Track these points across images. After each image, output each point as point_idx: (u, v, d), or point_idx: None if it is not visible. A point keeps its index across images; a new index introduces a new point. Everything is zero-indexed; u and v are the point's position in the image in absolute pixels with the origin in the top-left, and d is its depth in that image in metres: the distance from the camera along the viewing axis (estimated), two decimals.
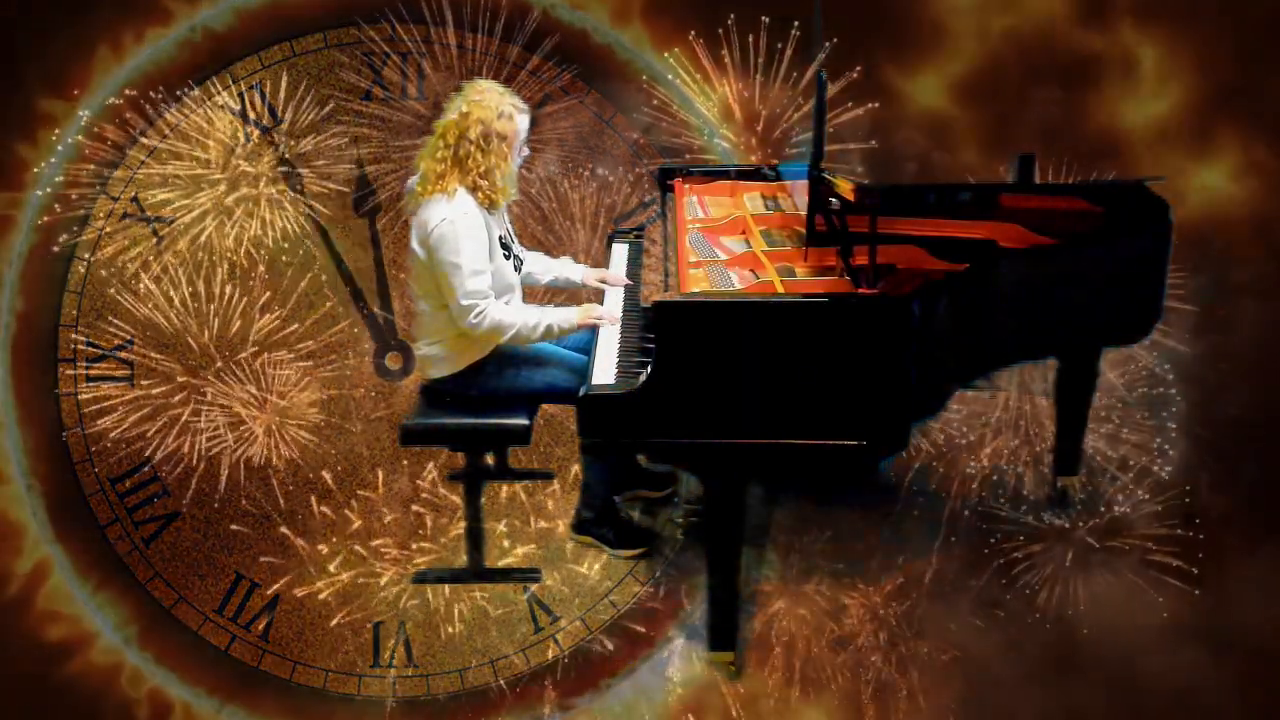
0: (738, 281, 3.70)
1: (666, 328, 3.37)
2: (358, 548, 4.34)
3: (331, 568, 4.27)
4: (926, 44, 4.91)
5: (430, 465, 4.61)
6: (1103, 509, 4.38)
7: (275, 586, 4.22)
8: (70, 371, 4.72)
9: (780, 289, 3.60)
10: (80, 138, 4.76)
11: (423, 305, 3.88)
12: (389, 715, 3.88)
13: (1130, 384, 4.80)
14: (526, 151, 3.91)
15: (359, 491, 4.57)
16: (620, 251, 4.42)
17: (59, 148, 4.76)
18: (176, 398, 4.74)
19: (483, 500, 4.16)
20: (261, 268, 4.88)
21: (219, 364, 4.80)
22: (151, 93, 4.80)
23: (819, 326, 3.36)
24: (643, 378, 3.41)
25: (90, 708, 3.96)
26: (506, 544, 4.34)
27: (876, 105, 4.87)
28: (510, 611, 4.10)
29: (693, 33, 4.89)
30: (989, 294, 3.71)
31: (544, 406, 4.33)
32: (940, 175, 4.93)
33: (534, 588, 4.15)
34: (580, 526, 4.28)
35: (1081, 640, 3.91)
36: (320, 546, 4.35)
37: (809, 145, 3.81)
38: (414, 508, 4.49)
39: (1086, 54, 4.91)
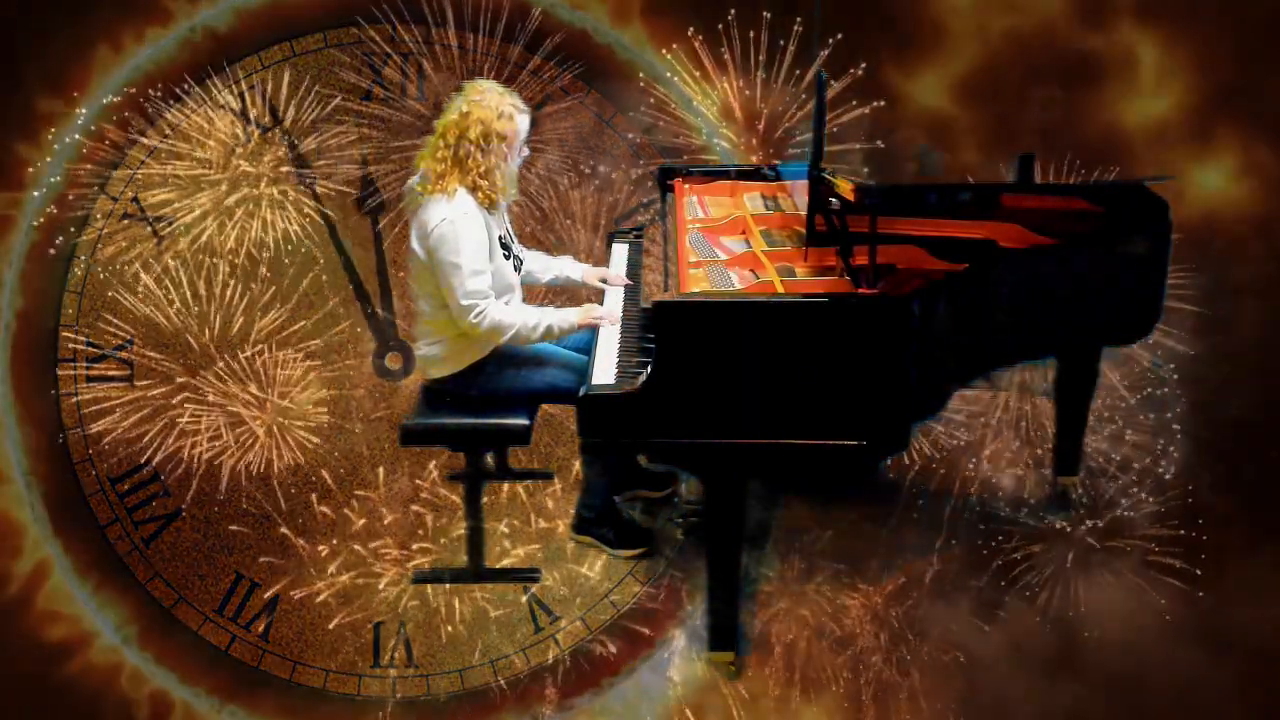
0: (738, 281, 3.70)
1: (666, 328, 3.37)
2: (358, 548, 4.34)
3: (331, 568, 4.27)
4: (927, 44, 4.91)
5: (430, 465, 4.61)
6: (1103, 509, 4.38)
7: (275, 586, 4.22)
8: (70, 371, 4.72)
9: (780, 289, 3.60)
10: (80, 138, 4.76)
11: (423, 305, 3.88)
12: (389, 715, 3.88)
13: (1131, 384, 4.80)
14: (527, 152, 3.91)
15: (359, 491, 4.56)
16: (620, 251, 4.42)
17: (59, 148, 4.76)
18: (176, 398, 4.74)
19: (483, 500, 4.16)
20: (262, 268, 4.87)
21: (219, 364, 4.80)
22: (152, 92, 4.80)
23: (819, 326, 3.36)
24: (643, 378, 3.40)
25: (90, 708, 3.96)
26: (507, 544, 4.34)
27: (883, 103, 4.86)
28: (510, 611, 4.09)
29: (691, 29, 4.88)
30: (989, 294, 3.70)
31: (544, 406, 4.32)
32: (941, 175, 4.93)
33: (534, 588, 4.15)
34: (580, 526, 4.28)
35: (1082, 641, 3.90)
36: (320, 546, 4.35)
37: (810, 145, 3.81)
38: (414, 508, 4.49)
39: (1086, 54, 4.91)
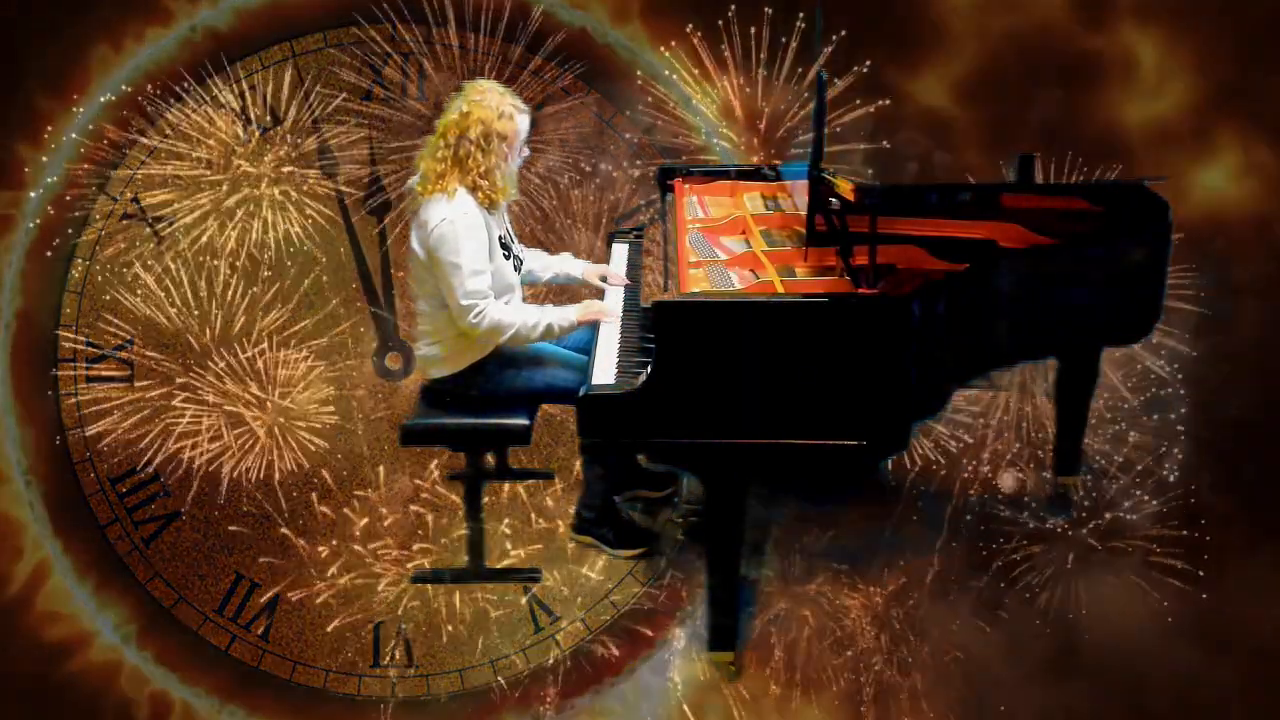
0: (738, 281, 3.70)
1: (666, 328, 3.37)
2: (358, 548, 4.34)
3: (332, 568, 4.27)
4: (928, 44, 4.90)
5: (431, 465, 4.61)
6: (1104, 509, 4.38)
7: (275, 587, 4.22)
8: (70, 372, 4.72)
9: (780, 289, 3.59)
10: (80, 137, 4.76)
11: (422, 305, 3.89)
12: (389, 715, 3.88)
13: (1131, 384, 4.80)
14: (527, 152, 3.91)
15: (359, 491, 4.56)
16: (620, 251, 4.42)
17: (58, 147, 4.75)
18: (176, 398, 4.73)
19: (483, 500, 4.16)
20: (262, 268, 4.87)
21: (219, 364, 4.80)
22: (152, 92, 4.80)
23: (819, 326, 3.36)
24: (643, 378, 3.40)
25: (90, 708, 3.96)
26: (507, 544, 4.34)
27: (888, 102, 4.86)
28: (510, 611, 4.09)
29: (690, 25, 4.87)
30: (989, 294, 3.70)
31: (544, 406, 4.33)
32: (942, 175, 4.93)
33: (534, 588, 4.15)
34: (580, 526, 4.28)
35: (1083, 641, 3.90)
36: (320, 547, 4.35)
37: (823, 145, 3.81)
38: (414, 508, 4.49)
39: (1087, 54, 4.91)
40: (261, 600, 4.18)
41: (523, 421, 3.88)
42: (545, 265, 4.18)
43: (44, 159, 4.74)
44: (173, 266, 4.83)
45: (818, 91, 3.75)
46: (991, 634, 3.91)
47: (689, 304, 3.42)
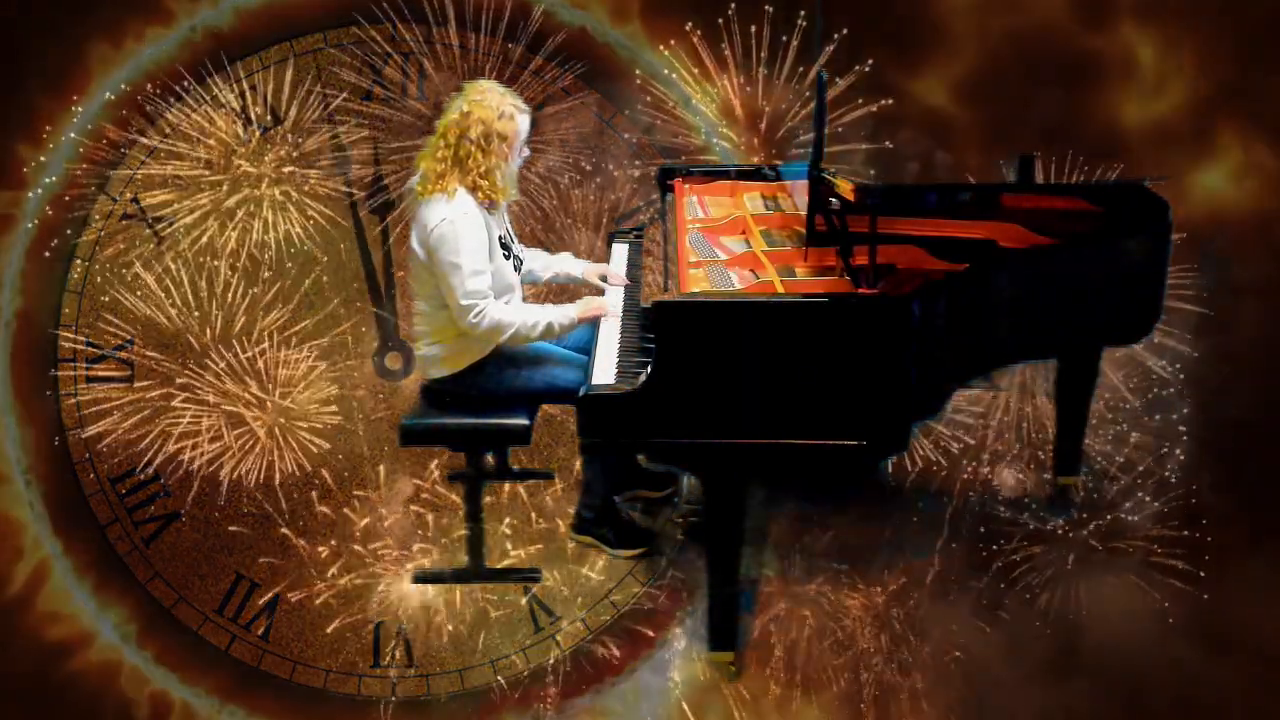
0: (738, 281, 3.70)
1: (666, 328, 3.37)
2: (358, 548, 4.34)
3: (332, 568, 4.27)
4: (928, 44, 4.90)
5: (431, 465, 4.61)
6: (1105, 510, 4.38)
7: (275, 587, 4.21)
8: (70, 372, 4.72)
9: (780, 289, 3.59)
10: (80, 137, 4.76)
11: (422, 305, 3.89)
12: (389, 715, 3.88)
13: (1132, 385, 4.80)
14: (527, 152, 3.91)
15: (359, 491, 4.56)
16: (620, 251, 4.41)
17: (59, 147, 4.75)
18: (176, 398, 4.73)
19: (483, 500, 4.16)
20: (263, 268, 4.87)
21: (220, 364, 4.80)
22: (152, 92, 4.80)
23: (819, 326, 3.36)
24: (643, 378, 3.40)
25: (90, 708, 3.96)
26: (507, 544, 4.34)
27: (890, 101, 4.86)
28: (510, 611, 4.09)
29: (689, 24, 4.87)
30: (989, 294, 3.70)
31: (544, 406, 4.33)
32: (942, 175, 4.93)
33: (534, 588, 4.14)
34: (580, 526, 4.28)
35: (1083, 641, 3.90)
36: (320, 547, 4.35)
37: (823, 145, 3.81)
38: (414, 508, 4.49)
39: (1087, 54, 4.91)
40: (261, 600, 4.18)
41: (523, 421, 3.88)
42: (545, 265, 4.18)
43: (44, 159, 4.74)
44: (173, 266, 4.83)
45: (818, 91, 3.75)
46: (992, 634, 3.91)
47: (689, 304, 3.42)
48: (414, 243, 3.81)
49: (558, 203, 4.99)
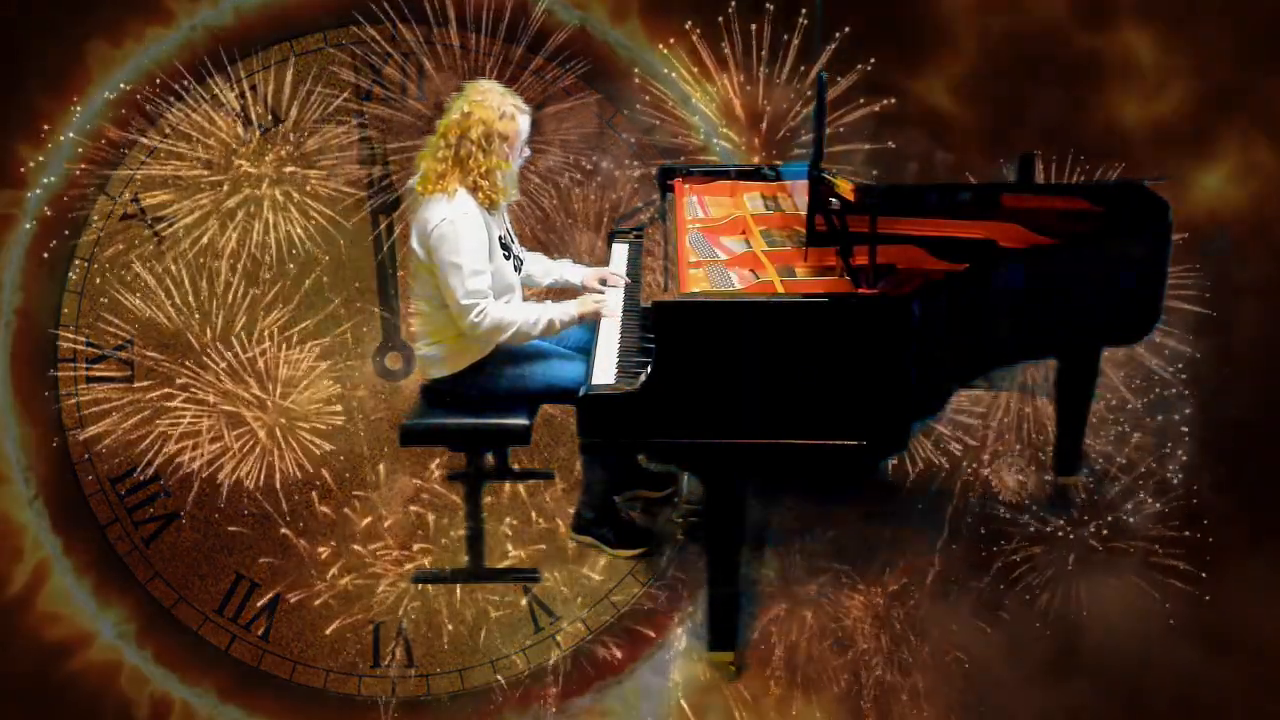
0: (738, 281, 3.70)
1: (666, 328, 3.37)
2: (358, 548, 4.34)
3: (332, 568, 4.27)
4: (929, 44, 4.90)
5: (431, 465, 4.61)
6: (1105, 510, 4.38)
7: (275, 587, 4.21)
8: (70, 372, 4.72)
9: (780, 289, 3.59)
10: (80, 137, 4.76)
11: (422, 305, 3.89)
12: (389, 715, 3.88)
13: (1132, 385, 4.80)
14: (528, 152, 3.91)
15: (359, 491, 4.56)
16: (620, 251, 4.42)
17: (58, 147, 4.75)
18: (177, 398, 4.73)
19: (483, 500, 4.16)
20: (263, 268, 4.87)
21: (220, 365, 4.80)
22: (152, 92, 4.80)
23: (819, 326, 3.36)
24: (643, 378, 3.40)
25: (90, 707, 3.96)
26: (507, 544, 4.34)
27: (893, 101, 4.86)
28: (510, 612, 4.09)
29: (689, 22, 4.87)
30: (989, 294, 3.70)
31: (544, 406, 4.32)
32: (943, 175, 4.93)
33: (534, 588, 4.14)
34: (580, 526, 4.28)
35: (1083, 641, 3.90)
36: (320, 547, 4.35)
37: (823, 145, 3.81)
38: (414, 508, 4.49)
39: (1087, 54, 4.91)
40: (261, 600, 4.18)
41: (523, 421, 3.88)
42: (545, 270, 4.18)
43: (44, 159, 4.74)
44: (173, 266, 4.83)
45: (818, 92, 3.75)
46: (992, 635, 3.91)
47: (689, 304, 3.42)
48: (414, 242, 3.81)
49: (558, 203, 4.99)
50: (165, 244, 4.83)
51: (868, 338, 3.36)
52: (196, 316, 4.82)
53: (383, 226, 4.94)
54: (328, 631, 4.07)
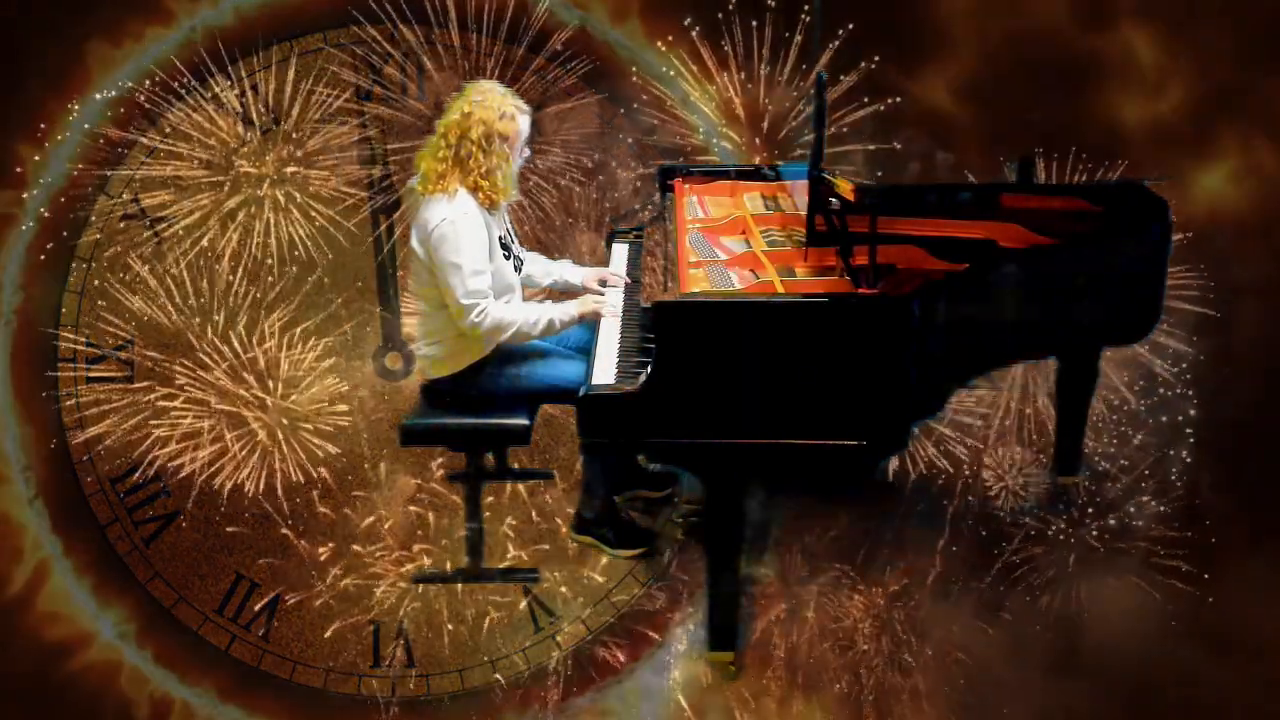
0: (738, 281, 3.70)
1: (666, 328, 3.37)
2: (357, 548, 4.34)
3: (332, 568, 4.27)
4: (930, 44, 4.90)
5: (431, 465, 4.61)
6: (1106, 510, 4.38)
7: (276, 587, 4.21)
8: (70, 372, 4.72)
9: (780, 289, 3.59)
10: (80, 137, 4.76)
11: (422, 305, 3.89)
12: (389, 715, 3.87)
13: (1132, 385, 4.80)
14: (528, 152, 3.91)
15: (359, 491, 4.56)
16: (620, 251, 4.41)
17: (57, 147, 4.75)
18: (177, 399, 4.73)
19: (483, 500, 4.16)
20: (263, 268, 4.87)
21: (221, 365, 4.80)
22: (152, 92, 4.80)
23: (819, 326, 3.36)
24: (643, 378, 3.40)
25: (90, 707, 3.96)
26: (508, 544, 4.34)
27: (899, 100, 4.86)
28: (510, 612, 4.09)
29: (688, 19, 4.87)
30: (989, 294, 3.70)
31: (544, 406, 4.32)
32: (943, 175, 4.93)
33: (534, 588, 4.14)
34: (580, 527, 4.27)
35: (1084, 642, 3.90)
36: (320, 547, 4.35)
37: (823, 146, 3.80)
38: (414, 508, 4.49)
39: (1087, 54, 4.90)
40: (262, 600, 4.18)
41: (523, 421, 3.88)
42: (545, 271, 4.18)
43: (44, 159, 4.74)
44: (173, 267, 4.83)
45: (818, 92, 3.75)
46: (993, 635, 3.91)
47: (689, 304, 3.42)
48: (414, 243, 3.81)
49: (559, 203, 4.99)
50: (165, 244, 4.83)
51: (868, 338, 3.36)
52: (196, 316, 4.82)
53: (383, 227, 4.94)
54: (328, 632, 4.07)
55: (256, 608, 4.17)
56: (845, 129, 4.90)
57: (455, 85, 4.25)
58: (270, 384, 4.79)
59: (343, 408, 4.78)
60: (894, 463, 4.61)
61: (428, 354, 3.93)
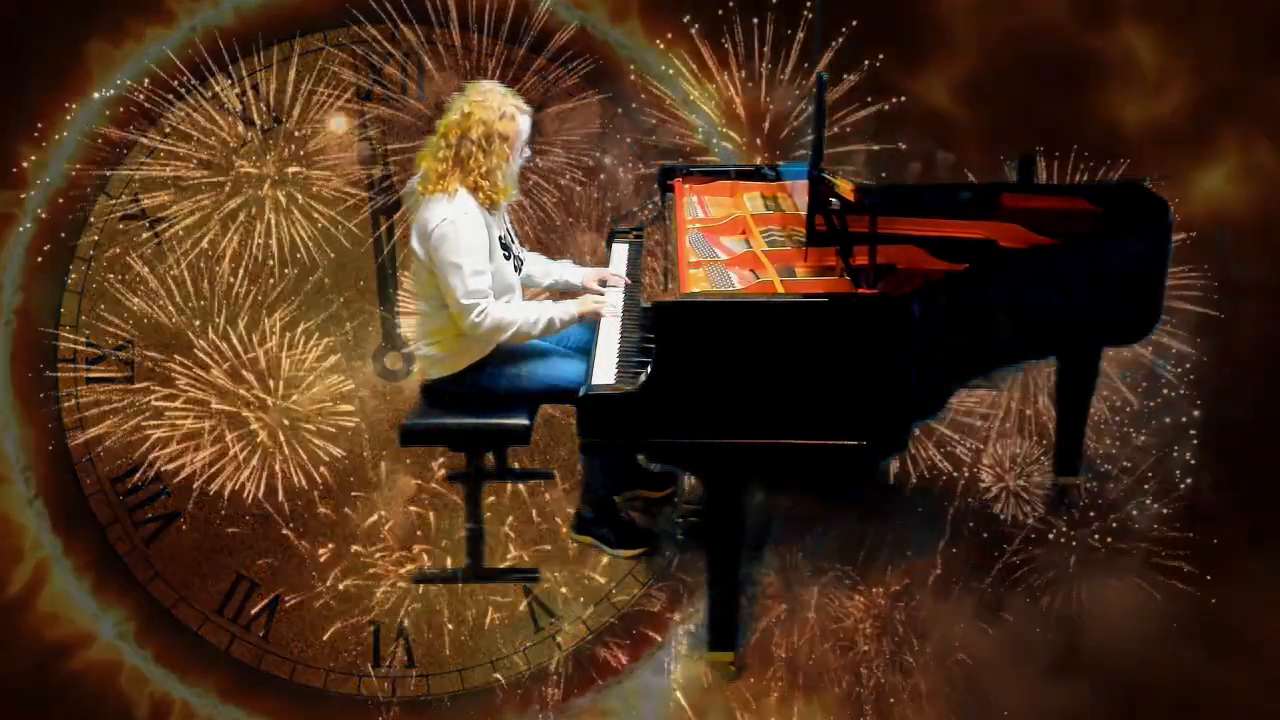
0: (738, 281, 3.70)
1: (666, 328, 3.37)
2: (358, 548, 4.34)
3: (332, 569, 4.27)
4: (930, 44, 4.90)
5: (431, 465, 4.61)
6: (1106, 511, 4.38)
7: (276, 587, 4.21)
8: (70, 373, 4.72)
9: (780, 289, 3.59)
10: (80, 137, 4.76)
11: (422, 305, 3.89)
12: (389, 715, 3.87)
13: (1133, 385, 4.80)
14: (528, 152, 3.91)
15: (359, 492, 4.56)
16: (620, 251, 4.41)
17: (59, 147, 4.76)
18: (177, 399, 4.73)
19: (483, 500, 4.16)
20: (264, 269, 4.87)
21: (221, 365, 4.80)
22: (152, 92, 4.80)
23: (819, 326, 3.36)
24: (643, 378, 3.40)
25: (90, 707, 3.96)
26: (509, 544, 4.34)
27: (903, 99, 4.85)
28: (510, 612, 4.09)
29: (687, 17, 4.87)
30: (989, 294, 3.70)
31: (544, 406, 4.32)
32: (944, 175, 4.93)
33: (534, 588, 4.14)
34: (580, 527, 4.27)
35: (1085, 642, 3.90)
36: (320, 547, 4.35)
37: (823, 146, 3.80)
38: (414, 508, 4.49)
39: (1088, 54, 4.90)
40: (262, 601, 4.18)
41: (523, 421, 3.88)
42: (545, 271, 4.18)
43: (44, 159, 4.74)
44: (173, 267, 4.83)
45: (817, 92, 3.75)
46: (994, 636, 3.91)
47: (689, 304, 3.42)
48: (414, 243, 3.81)
49: (559, 203, 4.99)
50: (165, 244, 4.83)
51: (868, 338, 3.36)
52: (197, 316, 4.82)
53: (384, 227, 4.94)
54: (328, 633, 4.07)
55: (257, 607, 4.17)
56: (846, 129, 4.90)
57: (456, 85, 4.24)
58: (270, 384, 4.79)
59: (345, 408, 4.79)
60: (895, 463, 4.61)
61: (428, 354, 3.93)
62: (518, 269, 3.97)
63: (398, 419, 4.49)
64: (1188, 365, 4.78)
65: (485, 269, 3.76)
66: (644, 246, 4.44)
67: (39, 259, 4.74)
